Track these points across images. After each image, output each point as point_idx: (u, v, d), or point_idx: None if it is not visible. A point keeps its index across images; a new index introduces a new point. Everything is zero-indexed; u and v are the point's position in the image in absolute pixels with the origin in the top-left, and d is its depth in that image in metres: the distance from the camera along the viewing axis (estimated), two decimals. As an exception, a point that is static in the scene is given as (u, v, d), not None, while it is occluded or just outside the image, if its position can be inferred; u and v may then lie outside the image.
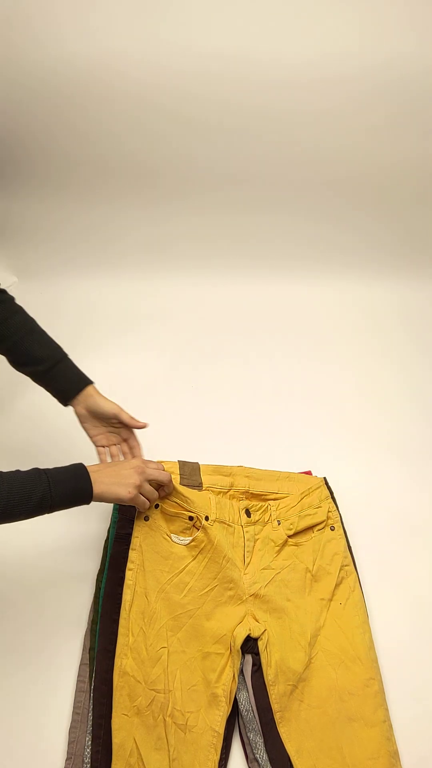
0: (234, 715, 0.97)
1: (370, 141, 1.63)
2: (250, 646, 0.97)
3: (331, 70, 1.52)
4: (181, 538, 1.01)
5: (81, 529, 1.20)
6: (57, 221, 1.79)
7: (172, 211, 1.77)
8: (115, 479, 0.92)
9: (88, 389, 1.07)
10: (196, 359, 1.62)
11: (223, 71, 1.51)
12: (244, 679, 0.99)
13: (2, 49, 1.50)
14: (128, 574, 0.98)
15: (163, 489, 1.02)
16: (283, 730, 0.91)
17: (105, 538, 1.13)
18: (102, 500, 0.91)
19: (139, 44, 1.49)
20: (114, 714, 0.90)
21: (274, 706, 0.93)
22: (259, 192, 1.73)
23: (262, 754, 0.92)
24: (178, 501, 1.03)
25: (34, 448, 1.32)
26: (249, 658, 0.98)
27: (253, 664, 0.97)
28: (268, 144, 1.64)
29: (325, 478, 1.23)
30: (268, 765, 0.91)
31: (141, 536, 1.01)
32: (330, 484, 1.23)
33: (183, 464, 1.09)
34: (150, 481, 0.98)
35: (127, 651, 0.93)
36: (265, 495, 1.13)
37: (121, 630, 0.94)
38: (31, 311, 1.10)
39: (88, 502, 0.90)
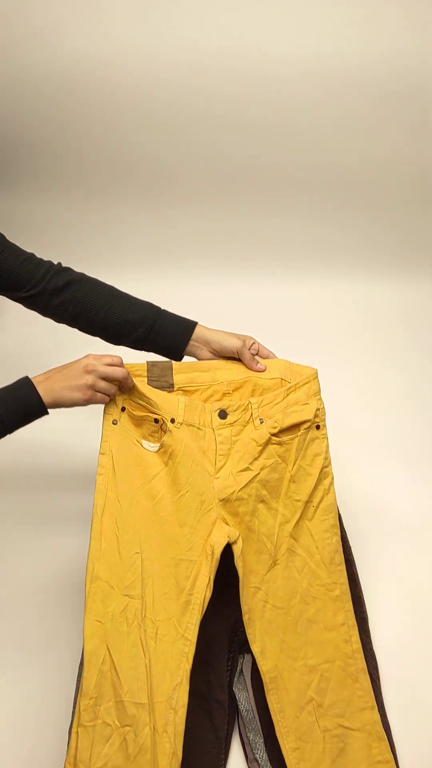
0: (234, 715, 0.97)
1: (371, 140, 1.63)
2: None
3: (333, 68, 1.52)
4: (151, 445, 0.97)
5: (81, 529, 1.20)
6: (64, 222, 1.80)
7: (176, 214, 1.78)
8: (66, 382, 0.89)
9: (198, 333, 1.04)
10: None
11: (225, 69, 1.52)
12: (244, 679, 0.99)
13: (5, 49, 1.50)
14: (98, 479, 0.95)
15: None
16: (249, 631, 0.91)
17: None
18: (58, 407, 0.89)
19: (142, 42, 1.49)
20: (86, 620, 0.87)
21: (243, 608, 0.91)
22: (259, 193, 1.74)
23: (262, 754, 0.91)
24: (142, 402, 0.97)
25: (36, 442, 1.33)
26: (249, 658, 0.98)
27: (253, 664, 0.96)
28: (269, 144, 1.64)
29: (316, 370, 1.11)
30: (268, 765, 0.91)
31: (111, 441, 0.96)
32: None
33: (152, 365, 1.02)
34: (105, 379, 0.93)
35: (99, 555, 0.91)
36: (247, 382, 1.05)
37: (93, 534, 0.92)
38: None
39: (46, 413, 0.89)
